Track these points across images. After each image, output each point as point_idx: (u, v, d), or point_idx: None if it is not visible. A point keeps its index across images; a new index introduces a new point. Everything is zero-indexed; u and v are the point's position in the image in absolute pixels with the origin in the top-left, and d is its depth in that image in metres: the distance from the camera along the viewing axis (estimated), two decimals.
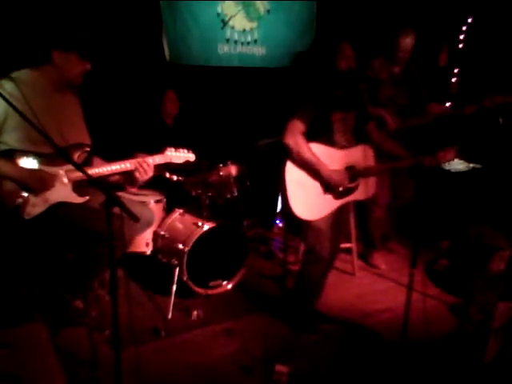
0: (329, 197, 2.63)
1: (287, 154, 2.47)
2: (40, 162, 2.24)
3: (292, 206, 2.48)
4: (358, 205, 3.54)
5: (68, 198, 2.32)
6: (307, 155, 2.46)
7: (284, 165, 2.49)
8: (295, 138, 2.44)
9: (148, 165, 2.44)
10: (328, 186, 2.59)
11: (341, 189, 2.62)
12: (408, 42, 3.31)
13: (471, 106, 3.27)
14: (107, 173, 2.40)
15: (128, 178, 2.50)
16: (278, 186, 2.53)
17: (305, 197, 2.53)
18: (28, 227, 2.23)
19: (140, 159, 2.44)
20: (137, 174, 2.42)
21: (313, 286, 2.77)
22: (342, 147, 2.61)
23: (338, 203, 2.69)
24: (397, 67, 3.43)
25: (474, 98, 3.36)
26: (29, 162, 2.22)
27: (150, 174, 2.46)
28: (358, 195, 2.76)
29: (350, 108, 2.61)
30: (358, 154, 2.70)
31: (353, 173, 2.66)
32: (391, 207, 3.74)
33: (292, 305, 2.83)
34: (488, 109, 3.21)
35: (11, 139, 2.18)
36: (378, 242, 3.78)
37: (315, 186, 2.58)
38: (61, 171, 2.29)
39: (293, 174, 2.50)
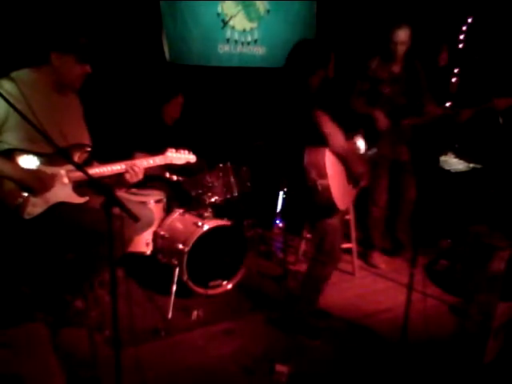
0: (350, 187, 2.67)
1: (326, 142, 2.44)
2: (40, 162, 2.24)
3: (335, 198, 2.45)
4: (358, 205, 3.54)
5: (68, 198, 2.32)
6: (344, 141, 2.48)
7: (323, 155, 2.44)
8: (331, 124, 2.43)
9: (138, 168, 2.43)
10: (351, 176, 2.63)
11: (363, 180, 2.67)
12: (400, 34, 3.28)
13: (467, 110, 3.26)
14: (108, 173, 2.40)
15: (118, 180, 2.49)
16: (313, 180, 2.46)
17: (339, 187, 2.52)
18: (28, 227, 2.23)
19: (131, 162, 2.43)
20: (127, 176, 2.41)
21: (322, 286, 2.74)
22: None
23: (354, 192, 2.75)
24: (396, 65, 3.40)
25: (470, 101, 3.36)
26: (29, 162, 2.22)
27: (140, 176, 2.45)
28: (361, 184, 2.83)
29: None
30: (357, 144, 2.76)
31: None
32: (404, 215, 3.72)
33: (296, 310, 2.75)
34: (485, 109, 3.20)
35: (12, 139, 2.18)
36: (378, 241, 3.78)
37: (343, 176, 2.60)
38: (61, 171, 2.29)
39: (331, 164, 2.47)
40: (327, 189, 2.43)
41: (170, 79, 3.92)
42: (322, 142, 2.44)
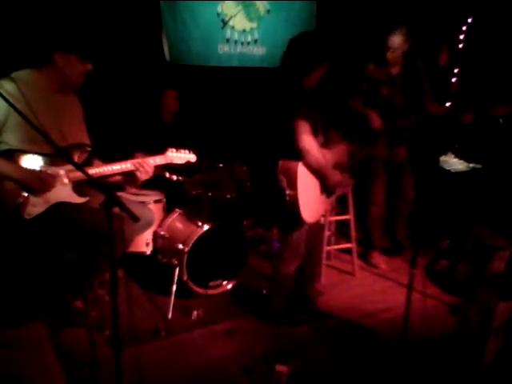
0: (323, 197, 2.67)
1: (301, 156, 2.43)
2: (41, 162, 2.25)
3: (302, 211, 2.44)
4: (357, 205, 3.55)
5: (68, 198, 2.32)
6: (320, 157, 2.47)
7: (296, 168, 2.44)
8: (309, 140, 2.42)
9: (148, 165, 2.45)
10: (326, 187, 2.62)
11: (340, 189, 2.66)
12: (395, 40, 3.27)
13: (469, 114, 3.28)
14: (108, 173, 2.40)
15: (129, 178, 2.51)
16: (283, 189, 2.46)
17: (309, 200, 2.52)
18: (28, 227, 2.23)
19: (141, 159, 2.45)
20: (138, 174, 2.44)
21: (288, 284, 2.79)
22: (324, 146, 2.61)
23: (329, 202, 2.77)
24: (393, 67, 3.41)
25: (473, 104, 3.36)
26: (29, 162, 2.22)
27: (151, 174, 2.47)
28: (338, 192, 2.88)
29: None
30: (341, 153, 2.75)
31: (342, 170, 2.72)
32: (402, 215, 3.74)
33: (273, 308, 2.82)
34: (487, 116, 3.23)
35: (12, 139, 2.18)
36: (378, 241, 3.78)
37: (316, 188, 2.59)
38: (61, 171, 2.29)
39: (303, 178, 2.47)
40: (295, 201, 2.43)
41: (161, 78, 3.91)
42: (297, 155, 2.43)
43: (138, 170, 2.43)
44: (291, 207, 2.45)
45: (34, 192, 2.21)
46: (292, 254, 2.71)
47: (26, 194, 2.20)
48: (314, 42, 2.52)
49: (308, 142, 2.41)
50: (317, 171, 2.51)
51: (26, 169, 2.20)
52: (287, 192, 2.44)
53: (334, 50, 2.58)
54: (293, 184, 2.43)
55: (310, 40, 2.53)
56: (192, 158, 2.72)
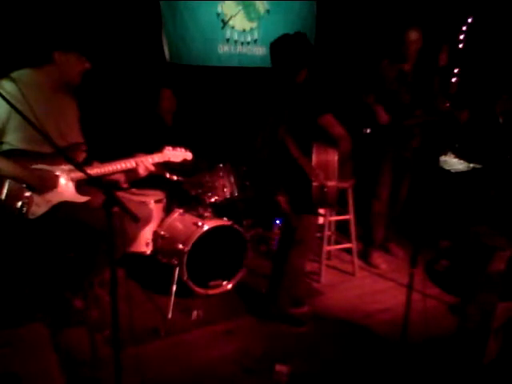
0: None
1: (337, 144, 2.47)
2: (42, 162, 2.25)
3: (335, 195, 2.49)
4: (357, 203, 3.54)
5: (70, 197, 2.33)
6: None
7: (334, 158, 2.46)
8: (341, 126, 2.48)
9: (147, 163, 2.51)
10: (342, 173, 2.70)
11: None
12: (414, 35, 3.34)
13: (465, 112, 3.33)
14: (108, 172, 2.42)
15: (129, 175, 2.54)
16: (322, 183, 2.45)
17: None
18: (30, 226, 2.23)
19: (139, 158, 2.48)
20: (140, 170, 2.48)
21: (300, 278, 2.81)
22: None
23: None
24: (407, 64, 3.44)
25: (472, 104, 3.39)
26: (31, 162, 2.22)
27: (152, 169, 2.53)
28: None
29: None
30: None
31: None
32: (392, 208, 3.76)
33: (276, 307, 2.81)
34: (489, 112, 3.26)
35: (14, 139, 2.19)
36: (379, 239, 3.78)
37: None
38: (63, 171, 2.29)
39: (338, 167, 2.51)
40: (334, 191, 2.44)
41: (161, 78, 3.91)
42: (332, 142, 2.46)
43: (138, 166, 2.47)
44: (328, 197, 2.46)
45: (37, 191, 2.22)
46: (302, 245, 2.68)
47: (29, 194, 2.20)
48: (302, 44, 2.56)
49: (341, 128, 2.48)
50: (347, 155, 2.55)
51: (29, 168, 2.21)
52: (329, 184, 2.44)
53: (314, 53, 2.63)
54: (332, 175, 2.44)
55: (297, 41, 2.56)
56: (188, 155, 2.75)
